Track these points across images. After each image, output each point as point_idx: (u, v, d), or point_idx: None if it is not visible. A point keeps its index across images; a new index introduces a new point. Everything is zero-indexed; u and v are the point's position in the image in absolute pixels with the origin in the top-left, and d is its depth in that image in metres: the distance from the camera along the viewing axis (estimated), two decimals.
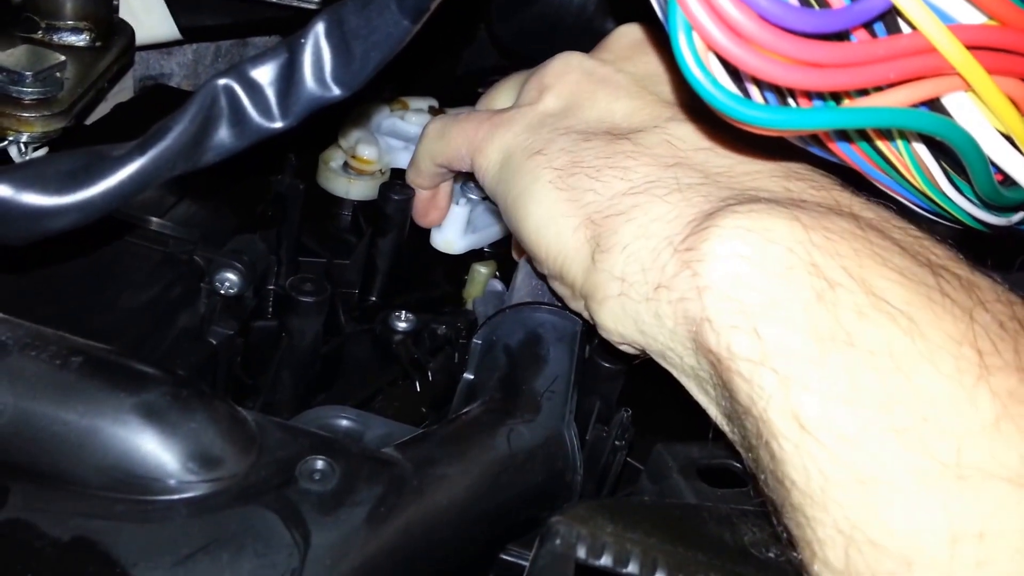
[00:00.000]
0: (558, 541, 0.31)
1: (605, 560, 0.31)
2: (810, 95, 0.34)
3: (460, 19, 0.90)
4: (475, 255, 0.66)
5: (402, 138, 0.72)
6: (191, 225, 0.55)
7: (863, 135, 0.36)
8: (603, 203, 0.40)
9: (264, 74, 0.40)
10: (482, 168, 0.49)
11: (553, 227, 0.42)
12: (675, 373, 0.39)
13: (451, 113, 0.60)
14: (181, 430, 0.36)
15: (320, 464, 0.38)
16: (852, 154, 0.36)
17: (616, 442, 0.47)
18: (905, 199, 0.38)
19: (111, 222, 0.48)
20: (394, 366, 0.58)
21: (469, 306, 0.63)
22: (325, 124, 0.71)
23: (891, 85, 0.33)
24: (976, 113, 0.34)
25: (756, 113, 0.33)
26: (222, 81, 0.39)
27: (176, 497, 0.35)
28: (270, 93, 0.40)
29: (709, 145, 0.42)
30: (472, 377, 0.49)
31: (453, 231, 0.64)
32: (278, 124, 0.40)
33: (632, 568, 0.31)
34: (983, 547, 0.27)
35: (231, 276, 0.52)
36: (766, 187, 0.38)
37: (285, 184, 0.55)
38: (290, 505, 0.36)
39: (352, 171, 0.68)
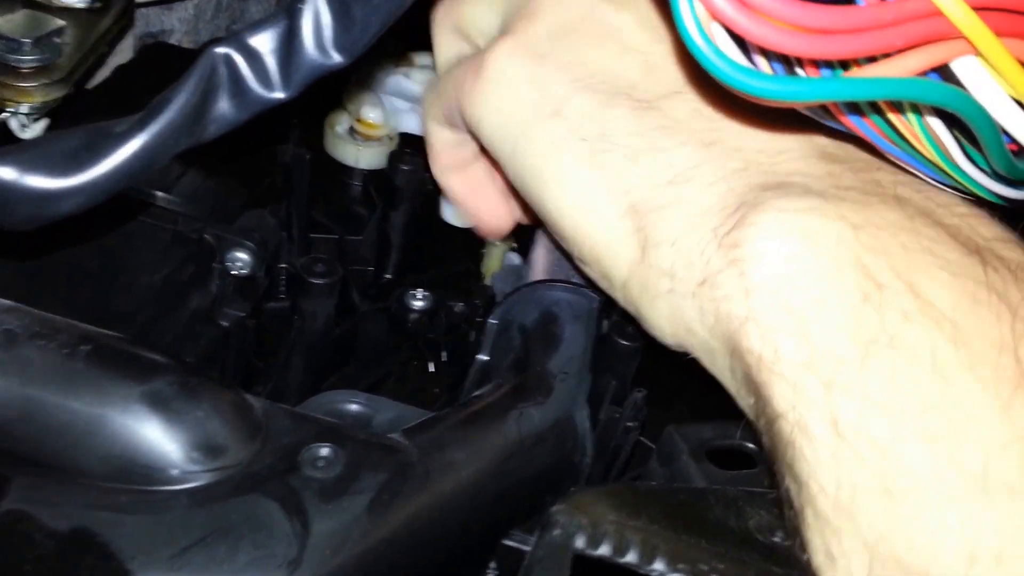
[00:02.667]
0: (557, 531, 0.33)
1: (603, 550, 0.32)
2: (818, 64, 0.35)
3: None
4: None
5: (408, 98, 0.72)
6: (198, 199, 0.56)
7: (874, 107, 0.37)
8: (645, 192, 0.39)
9: (263, 42, 0.41)
10: (474, 122, 0.46)
11: (592, 215, 0.41)
12: (713, 371, 0.39)
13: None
14: (187, 419, 0.38)
15: (324, 451, 0.40)
16: (863, 126, 0.37)
17: (628, 423, 0.49)
18: (920, 172, 0.39)
19: (119, 200, 0.50)
20: (409, 346, 0.60)
21: (488, 281, 0.64)
22: (330, 87, 0.72)
23: (900, 51, 0.33)
24: (986, 79, 0.34)
25: (761, 84, 0.33)
26: (221, 50, 0.40)
27: (178, 488, 0.37)
28: (270, 62, 0.41)
29: (740, 116, 0.41)
30: (486, 358, 0.50)
31: None
32: (279, 94, 0.41)
33: (631, 558, 0.32)
34: (1000, 569, 0.28)
35: (243, 255, 0.54)
36: (806, 170, 0.38)
37: (290, 154, 0.56)
38: (292, 493, 0.38)
39: (359, 136, 0.68)
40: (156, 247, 0.55)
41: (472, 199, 0.55)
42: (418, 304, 0.61)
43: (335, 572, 0.38)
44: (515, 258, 0.63)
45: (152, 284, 0.53)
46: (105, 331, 0.39)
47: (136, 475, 0.37)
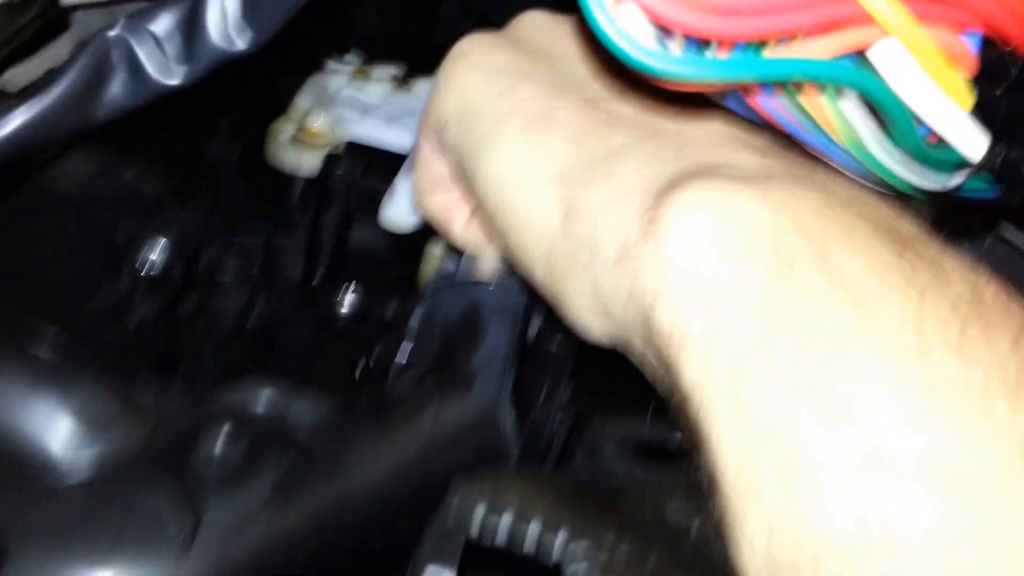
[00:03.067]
0: (457, 498, 0.31)
1: (505, 518, 0.31)
2: (730, 47, 0.34)
3: None
4: (431, 234, 0.66)
5: (358, 109, 0.71)
6: (118, 197, 0.55)
7: (787, 90, 0.36)
8: (578, 166, 0.39)
9: (162, 25, 0.40)
10: (435, 120, 0.46)
11: (521, 180, 0.41)
12: (634, 359, 0.38)
13: None
14: (71, 396, 0.36)
15: (222, 438, 0.38)
16: (775, 112, 0.36)
17: (557, 419, 0.47)
18: (835, 162, 0.38)
19: (33, 191, 0.48)
20: (336, 348, 0.58)
21: (421, 289, 0.62)
22: (275, 93, 0.71)
23: (813, 33, 0.33)
24: (902, 65, 0.34)
25: (666, 65, 0.33)
26: (113, 32, 0.39)
27: (64, 465, 0.35)
28: (169, 47, 0.40)
29: (682, 115, 0.41)
30: (407, 357, 0.49)
31: (403, 206, 0.63)
32: (176, 80, 0.40)
33: (533, 527, 0.31)
34: (888, 541, 0.28)
35: (157, 253, 0.52)
36: (739, 160, 0.38)
37: (218, 152, 0.55)
38: (185, 478, 0.36)
39: (302, 143, 0.67)
40: (69, 241, 0.53)
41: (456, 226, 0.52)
42: (346, 307, 0.59)
43: (229, 558, 0.36)
44: (451, 265, 0.62)
45: (63, 278, 0.52)
46: None
47: (15, 452, 0.35)
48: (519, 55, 0.46)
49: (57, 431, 0.36)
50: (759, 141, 0.40)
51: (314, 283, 0.61)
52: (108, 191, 0.55)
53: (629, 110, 0.42)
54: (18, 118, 0.38)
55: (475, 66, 0.45)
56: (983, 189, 0.40)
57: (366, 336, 0.59)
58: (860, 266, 0.32)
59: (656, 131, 0.40)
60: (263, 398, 0.45)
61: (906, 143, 0.35)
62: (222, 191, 0.57)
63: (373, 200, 0.62)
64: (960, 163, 0.38)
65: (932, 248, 0.33)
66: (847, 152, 0.37)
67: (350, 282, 0.62)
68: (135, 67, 0.40)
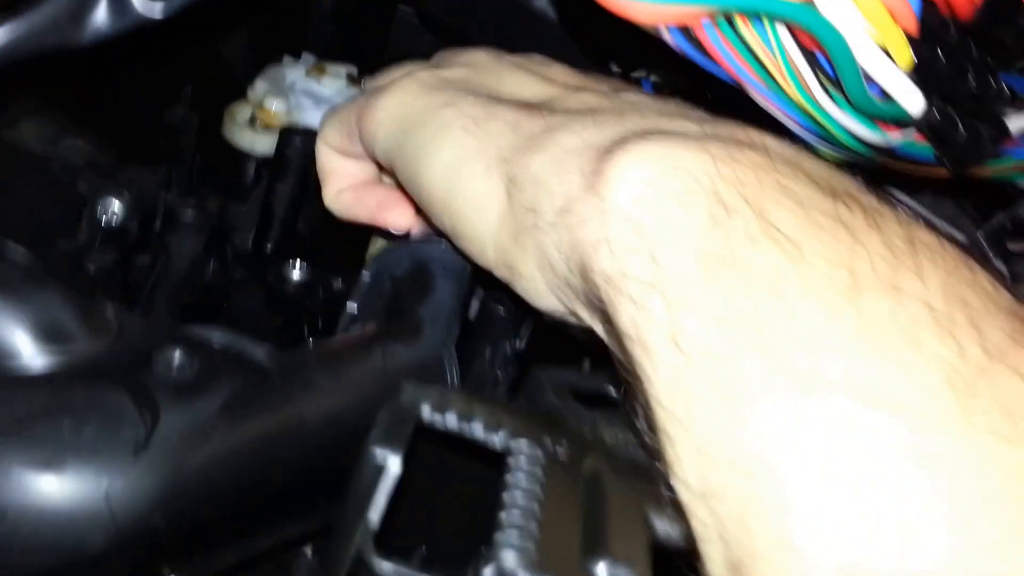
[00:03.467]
0: (403, 397, 0.33)
1: (449, 417, 0.32)
2: None
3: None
4: None
5: (315, 98, 0.74)
6: (79, 154, 0.57)
7: (736, 32, 0.38)
8: (519, 143, 0.41)
9: None
10: (369, 131, 0.48)
11: (463, 171, 0.42)
12: (578, 317, 0.40)
13: None
14: (31, 301, 0.37)
15: (178, 355, 0.40)
16: (723, 49, 0.38)
17: (499, 373, 0.49)
18: (782, 114, 0.40)
19: None
20: (284, 317, 0.60)
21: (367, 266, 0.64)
22: (234, 82, 0.73)
23: None
24: (849, 13, 0.36)
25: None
26: None
27: (22, 366, 0.37)
28: None
29: (624, 102, 0.44)
30: (355, 307, 0.50)
31: None
32: (159, 13, 0.42)
33: (476, 425, 0.32)
34: (824, 461, 0.29)
35: (115, 206, 0.54)
36: (680, 127, 0.39)
37: (179, 116, 0.57)
38: (142, 388, 0.38)
39: (259, 125, 0.69)
40: (28, 191, 0.54)
41: (381, 213, 0.54)
42: (296, 276, 0.61)
43: (181, 466, 0.37)
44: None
45: (25, 227, 0.53)
46: None
47: None
48: (463, 72, 0.48)
49: (19, 336, 0.37)
50: (697, 113, 0.41)
51: (268, 250, 0.62)
52: (71, 149, 0.57)
53: (571, 103, 0.44)
54: (2, 33, 0.39)
55: (421, 81, 0.47)
56: (922, 151, 0.43)
57: (315, 305, 0.60)
58: (795, 213, 0.33)
59: (594, 108, 0.42)
60: (216, 335, 0.47)
61: (849, 87, 0.38)
62: (180, 156, 0.58)
63: None
64: (900, 118, 0.41)
65: (867, 199, 0.35)
66: (794, 102, 0.40)
67: (299, 257, 0.63)
68: None
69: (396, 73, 0.52)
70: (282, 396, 0.41)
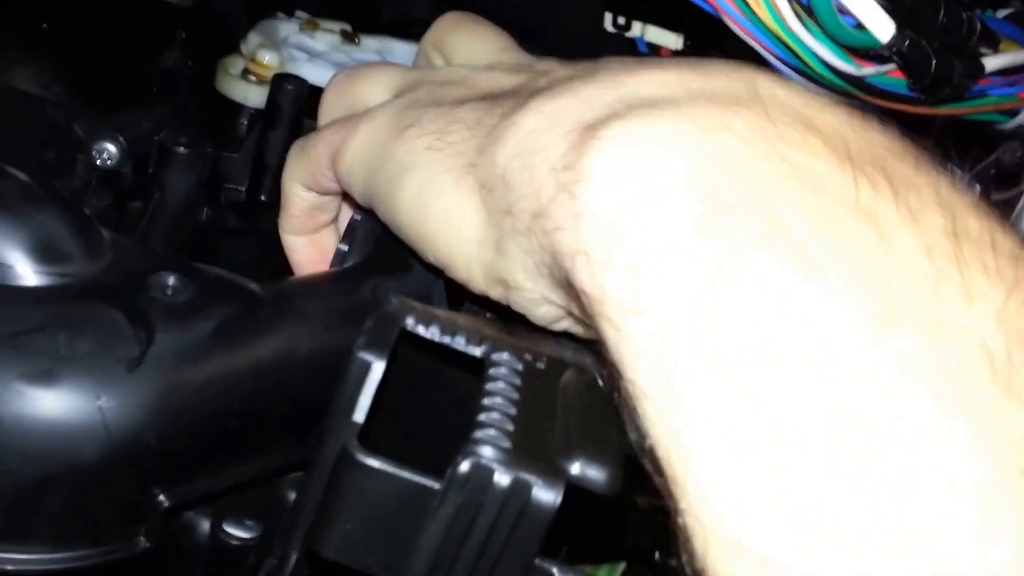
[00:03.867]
0: (388, 308, 0.34)
1: (432, 330, 0.34)
2: None
3: None
4: None
5: (307, 52, 0.75)
6: (74, 97, 0.58)
7: None
8: (482, 141, 0.37)
9: None
10: (344, 170, 0.45)
11: (432, 191, 0.38)
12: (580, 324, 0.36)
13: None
14: (29, 220, 0.39)
15: (173, 280, 0.41)
16: None
17: (487, 312, 0.50)
18: (761, 44, 0.42)
19: None
20: (275, 264, 0.61)
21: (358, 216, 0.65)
22: (227, 36, 0.74)
23: None
24: None
25: None
26: None
27: (18, 283, 0.38)
28: None
29: (609, 64, 0.38)
30: (346, 247, 0.52)
31: None
32: None
33: (458, 339, 0.34)
34: (835, 536, 0.25)
35: (110, 147, 0.55)
36: (665, 90, 0.33)
37: (173, 60, 0.58)
38: (136, 307, 0.39)
39: (252, 77, 0.71)
40: (24, 132, 0.56)
41: (311, 265, 0.53)
42: None
43: (174, 385, 0.39)
44: None
45: (17, 165, 0.54)
46: None
47: None
48: (432, 83, 0.44)
49: (16, 254, 0.38)
50: (688, 63, 0.35)
51: (261, 199, 0.64)
52: (66, 91, 0.58)
53: (540, 82, 0.39)
54: None
55: (386, 111, 0.43)
56: (895, 84, 0.45)
57: None
58: (806, 206, 0.28)
59: (566, 82, 0.37)
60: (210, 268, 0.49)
61: (823, 17, 0.39)
62: (173, 101, 0.60)
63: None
64: (873, 47, 0.42)
65: (896, 164, 0.29)
66: (772, 33, 0.41)
67: None
68: None
69: (368, 91, 0.48)
70: (274, 323, 0.42)
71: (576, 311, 0.34)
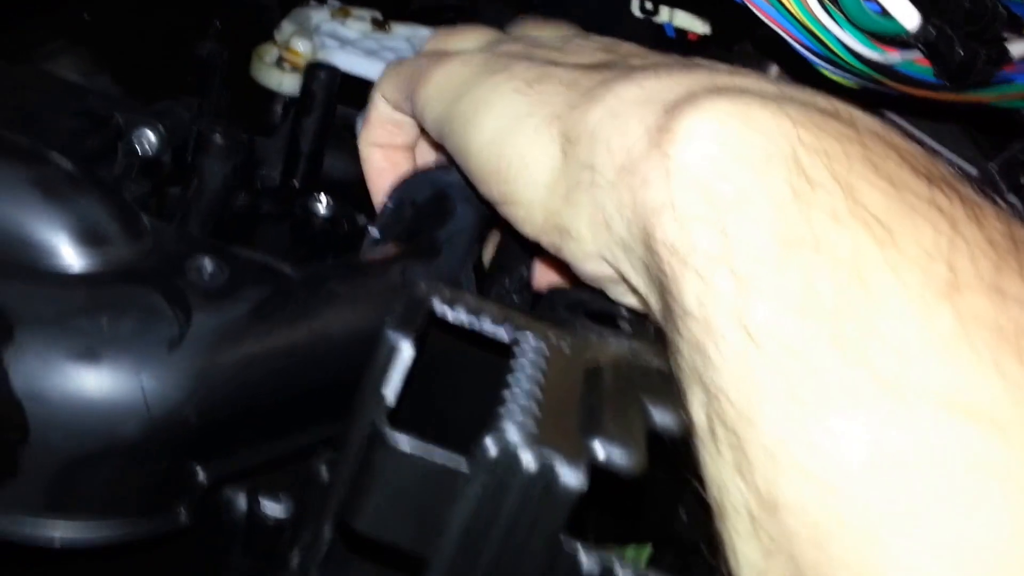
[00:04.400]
0: (417, 290, 0.35)
1: (459, 311, 0.35)
2: None
3: None
4: None
5: (339, 39, 0.76)
6: (115, 85, 0.59)
7: None
8: (574, 98, 0.39)
9: None
10: (420, 100, 0.47)
11: (513, 131, 0.40)
12: (630, 282, 0.38)
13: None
14: (73, 206, 0.40)
15: (209, 264, 0.42)
16: None
17: (515, 297, 0.51)
18: (787, 32, 0.42)
19: (36, 75, 0.52)
20: (309, 250, 0.63)
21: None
22: (263, 25, 0.76)
23: None
24: None
25: None
26: None
27: (60, 268, 0.40)
28: None
29: (698, 60, 0.41)
30: (377, 231, 0.53)
31: None
32: None
33: (485, 320, 0.35)
34: (901, 475, 0.27)
35: (149, 135, 0.56)
36: (754, 86, 0.36)
37: (208, 50, 0.59)
38: (175, 290, 0.41)
39: (286, 64, 0.72)
40: (65, 122, 0.57)
41: (380, 177, 0.56)
42: (322, 209, 0.63)
43: (212, 364, 0.40)
44: None
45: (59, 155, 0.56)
46: None
47: (20, 251, 0.39)
48: (524, 43, 0.47)
49: (61, 238, 0.40)
50: (772, 77, 0.40)
51: (295, 184, 0.65)
52: (107, 80, 0.59)
53: (634, 62, 0.42)
54: None
55: (479, 55, 0.46)
56: (921, 72, 0.45)
57: (340, 239, 0.63)
58: (887, 194, 0.30)
59: (660, 66, 0.39)
60: (245, 251, 0.50)
61: (847, 5, 0.40)
62: (209, 90, 0.61)
63: (349, 128, 0.66)
64: (898, 34, 0.43)
65: (964, 188, 0.31)
66: (793, 18, 0.42)
67: (325, 192, 0.66)
68: None
69: (462, 41, 0.52)
70: (306, 305, 0.43)
71: (637, 265, 0.36)
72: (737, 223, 0.30)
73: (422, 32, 0.83)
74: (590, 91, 0.38)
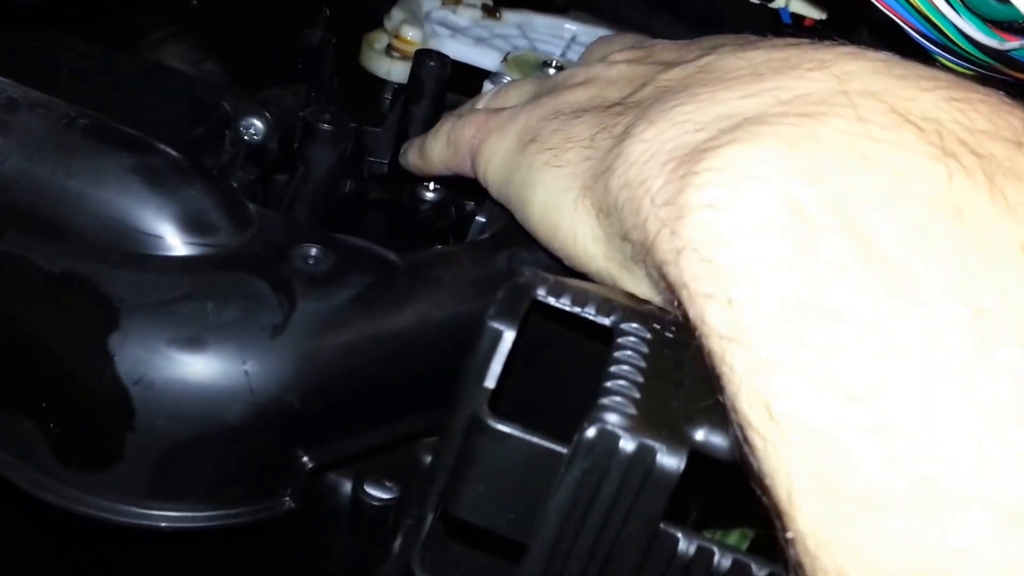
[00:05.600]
0: (521, 278, 0.35)
1: (563, 300, 0.34)
2: None
3: None
4: None
5: (450, 28, 0.76)
6: (222, 73, 0.60)
7: None
8: (596, 165, 0.39)
9: None
10: (481, 172, 0.48)
11: (556, 209, 0.41)
12: None
13: (455, 114, 0.55)
14: (179, 194, 0.41)
15: (314, 250, 0.43)
16: None
17: None
18: (903, 20, 0.41)
19: (147, 65, 0.53)
20: (417, 235, 0.63)
21: None
22: (372, 12, 0.76)
23: None
24: None
25: None
26: None
27: (168, 254, 0.40)
28: None
29: (721, 63, 0.39)
30: (484, 220, 0.53)
31: None
32: None
33: (589, 309, 0.34)
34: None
35: (256, 123, 0.57)
36: (756, 106, 0.34)
37: (317, 37, 0.60)
38: (279, 277, 0.41)
39: (395, 52, 0.72)
40: (173, 110, 0.58)
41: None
42: (429, 196, 0.63)
43: (315, 350, 0.40)
44: None
45: (173, 143, 0.57)
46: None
47: (128, 237, 0.40)
48: (557, 91, 0.47)
49: (168, 227, 0.40)
50: (793, 60, 0.35)
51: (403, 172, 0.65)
52: (215, 68, 0.60)
53: (647, 92, 0.41)
54: None
55: (518, 121, 0.46)
56: None
57: (448, 225, 0.63)
58: (895, 214, 0.27)
59: (671, 95, 0.38)
60: (350, 239, 0.50)
61: None
62: (318, 78, 0.61)
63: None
64: (1018, 20, 0.41)
65: (999, 146, 0.28)
66: (911, 7, 0.40)
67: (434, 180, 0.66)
68: None
69: (505, 99, 0.54)
70: (411, 291, 0.43)
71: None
72: (741, 294, 0.29)
73: (533, 19, 0.82)
74: (606, 155, 0.38)
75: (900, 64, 0.33)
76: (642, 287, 0.37)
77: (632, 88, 0.43)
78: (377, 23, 0.76)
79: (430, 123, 0.64)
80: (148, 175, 0.40)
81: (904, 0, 0.41)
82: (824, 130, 0.30)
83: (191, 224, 0.41)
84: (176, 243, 0.40)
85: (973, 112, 0.29)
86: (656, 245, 0.32)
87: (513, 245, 0.49)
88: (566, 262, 0.42)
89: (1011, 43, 0.43)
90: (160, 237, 0.40)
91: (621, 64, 0.47)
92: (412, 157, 0.57)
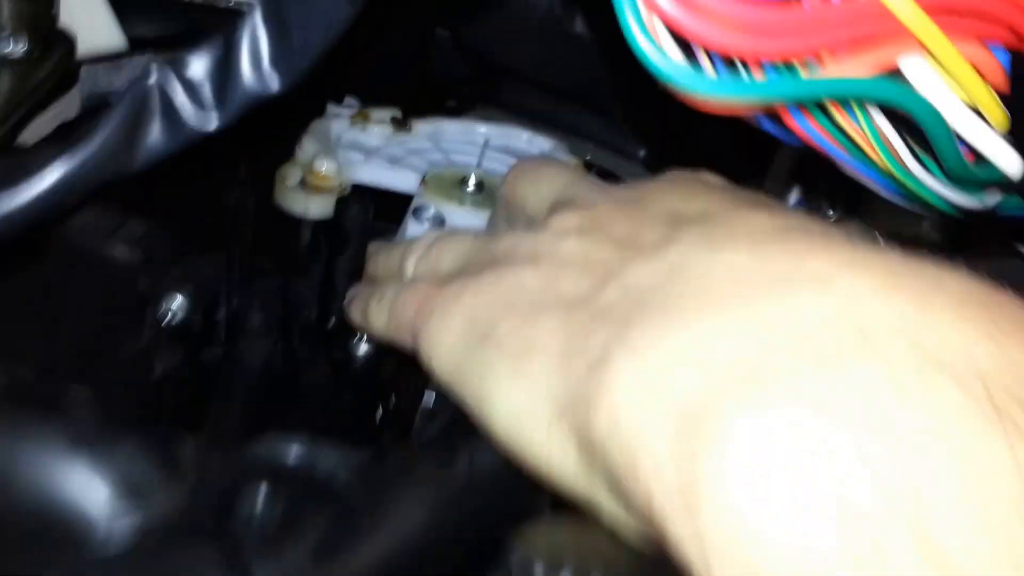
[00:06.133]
0: (515, 557, 0.31)
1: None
2: (762, 66, 0.34)
3: (423, 25, 0.91)
4: None
5: (363, 151, 0.72)
6: (135, 250, 0.55)
7: (821, 108, 0.36)
8: (572, 386, 0.34)
9: (199, 67, 0.40)
10: (424, 359, 0.43)
11: (524, 428, 0.36)
12: None
13: (394, 283, 0.51)
14: (110, 456, 0.36)
15: (261, 495, 0.38)
16: (810, 130, 0.36)
17: None
18: (871, 182, 0.38)
19: (52, 249, 0.48)
20: (354, 393, 0.59)
21: None
22: (282, 139, 0.71)
23: (847, 53, 0.33)
24: (937, 81, 0.34)
25: (705, 84, 0.32)
26: (153, 76, 0.39)
27: (103, 533, 0.35)
28: (206, 88, 0.40)
29: (686, 269, 0.35)
30: (435, 394, 0.49)
31: None
32: (213, 124, 0.40)
33: None
34: None
35: (177, 303, 0.53)
36: (758, 355, 0.28)
37: (234, 199, 0.55)
38: (228, 542, 0.36)
39: (310, 188, 0.68)
40: (87, 293, 0.53)
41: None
42: (362, 351, 0.59)
43: None
44: None
45: (82, 331, 0.52)
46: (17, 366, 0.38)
47: (57, 528, 0.35)
48: (508, 266, 0.42)
49: (97, 497, 0.36)
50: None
51: (329, 327, 0.61)
52: (125, 245, 0.56)
53: (614, 295, 0.36)
54: (56, 171, 0.38)
55: (464, 306, 0.42)
56: (1021, 207, 0.41)
57: (383, 380, 0.59)
58: (957, 513, 0.23)
59: (644, 332, 0.32)
60: (292, 451, 0.46)
61: (946, 157, 0.35)
62: (239, 239, 0.57)
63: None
64: (999, 180, 0.38)
65: None
66: (884, 171, 0.37)
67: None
68: (171, 113, 0.40)
69: (439, 262, 0.48)
70: (371, 530, 0.39)
71: None
72: None
73: (444, 127, 0.79)
74: (586, 381, 0.33)
75: (910, 274, 0.29)
76: (629, 532, 0.33)
77: (591, 282, 0.38)
78: (289, 152, 0.71)
79: (357, 274, 0.60)
80: (73, 444, 0.36)
81: (874, 166, 0.38)
82: (847, 382, 0.25)
83: (125, 491, 0.36)
84: (108, 518, 0.36)
85: (1011, 344, 0.25)
86: (668, 528, 0.28)
87: (471, 438, 0.44)
88: (524, 464, 0.37)
89: (992, 200, 0.40)
90: (91, 516, 0.35)
91: (570, 240, 0.41)
92: (355, 316, 0.52)
